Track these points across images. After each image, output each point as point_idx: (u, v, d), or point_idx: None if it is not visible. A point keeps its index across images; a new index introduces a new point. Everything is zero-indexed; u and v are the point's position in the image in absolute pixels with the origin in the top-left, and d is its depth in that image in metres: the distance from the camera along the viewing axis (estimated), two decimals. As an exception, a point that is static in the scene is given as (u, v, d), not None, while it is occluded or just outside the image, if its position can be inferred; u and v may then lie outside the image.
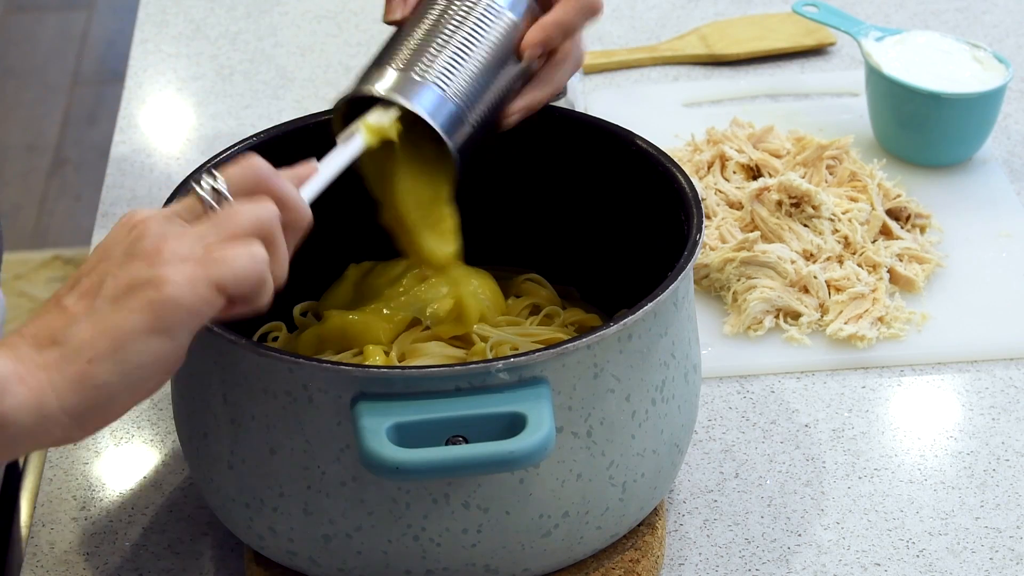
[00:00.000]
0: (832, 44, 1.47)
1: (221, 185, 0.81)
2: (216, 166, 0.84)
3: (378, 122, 0.93)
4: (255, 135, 1.03)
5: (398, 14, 0.98)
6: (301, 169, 0.87)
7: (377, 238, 1.03)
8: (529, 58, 0.97)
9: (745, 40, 1.47)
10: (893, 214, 1.22)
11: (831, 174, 1.24)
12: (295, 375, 0.87)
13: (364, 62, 0.98)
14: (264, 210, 0.80)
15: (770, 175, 1.24)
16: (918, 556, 0.98)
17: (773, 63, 1.46)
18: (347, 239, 1.07)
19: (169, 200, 0.95)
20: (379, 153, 0.94)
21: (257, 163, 0.82)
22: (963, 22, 1.50)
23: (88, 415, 0.77)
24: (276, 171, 0.83)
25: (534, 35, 0.97)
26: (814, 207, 1.19)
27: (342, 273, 1.08)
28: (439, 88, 0.94)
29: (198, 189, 0.81)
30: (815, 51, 1.47)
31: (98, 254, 0.79)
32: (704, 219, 0.95)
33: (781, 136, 1.28)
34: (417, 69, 0.95)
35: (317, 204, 1.07)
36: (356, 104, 0.96)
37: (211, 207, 0.80)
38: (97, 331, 0.76)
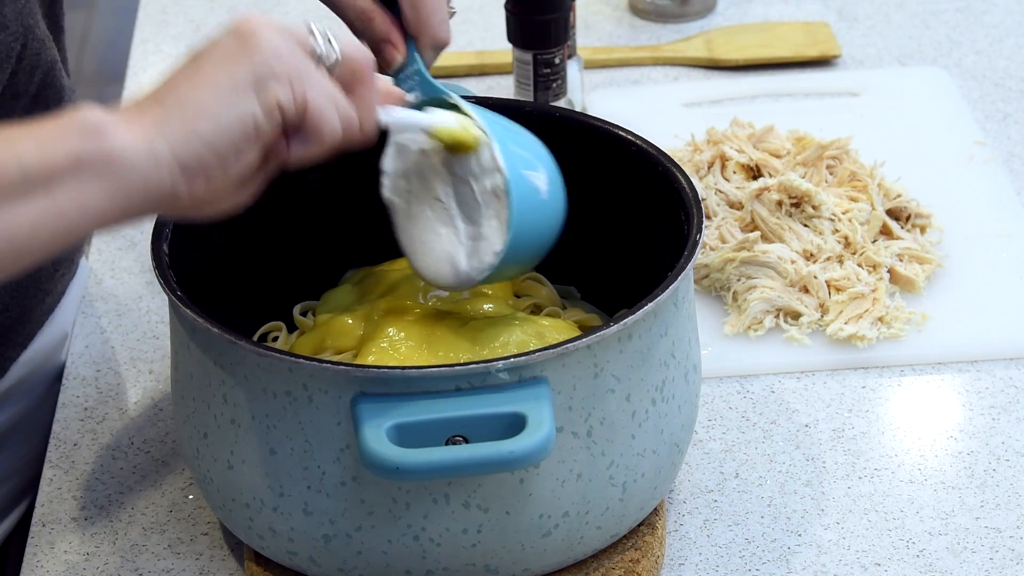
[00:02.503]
0: (837, 56, 1.46)
1: (334, 50, 0.83)
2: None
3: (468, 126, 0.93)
4: (255, 135, 1.03)
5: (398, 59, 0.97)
6: (392, 91, 0.90)
7: (376, 242, 1.03)
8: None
9: (748, 47, 1.47)
10: (893, 214, 1.22)
11: (831, 174, 1.24)
12: (295, 375, 0.87)
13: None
14: (349, 115, 0.83)
15: (770, 175, 1.24)
16: (918, 556, 0.98)
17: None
18: (347, 241, 1.07)
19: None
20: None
21: (366, 59, 0.85)
22: (963, 22, 1.50)
23: (194, 166, 0.78)
24: (373, 77, 0.85)
25: None
26: (814, 207, 1.19)
27: (341, 275, 1.08)
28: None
29: (315, 33, 0.83)
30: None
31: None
32: (704, 219, 0.95)
33: (781, 136, 1.28)
34: None
35: (320, 206, 1.07)
36: None
37: (316, 54, 0.83)
38: (199, 86, 0.78)
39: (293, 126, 0.81)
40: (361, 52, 0.84)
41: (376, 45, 0.95)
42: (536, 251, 0.95)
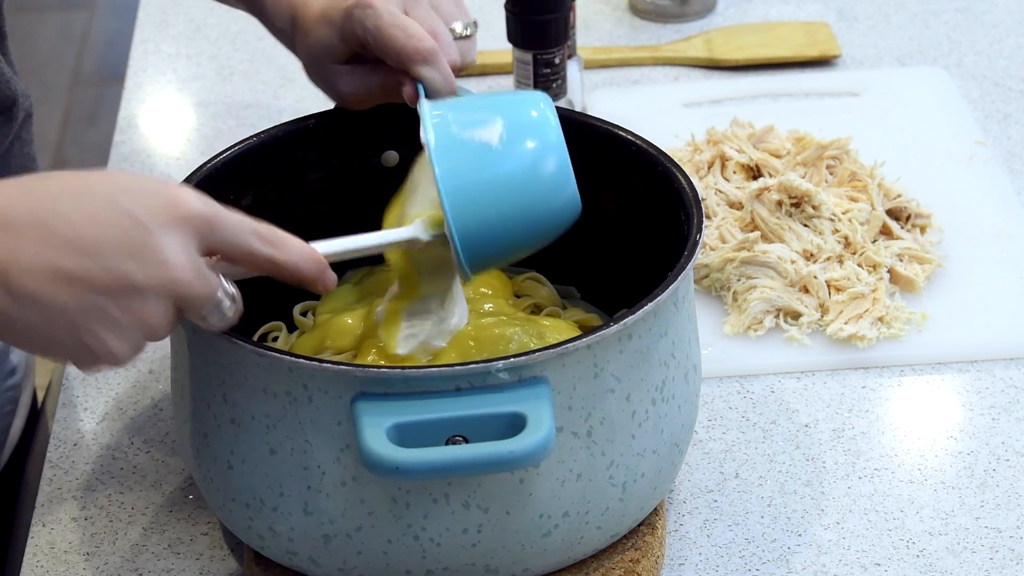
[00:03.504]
0: (837, 56, 1.46)
1: (229, 312, 0.84)
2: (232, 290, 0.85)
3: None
4: (255, 135, 1.03)
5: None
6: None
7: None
8: None
9: (748, 47, 1.47)
10: (893, 214, 1.22)
11: (831, 174, 1.24)
12: (295, 375, 0.87)
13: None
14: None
15: (770, 175, 1.24)
16: (918, 556, 0.98)
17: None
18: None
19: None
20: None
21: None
22: (963, 22, 1.50)
23: None
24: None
25: None
26: (814, 207, 1.19)
27: (341, 275, 1.08)
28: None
29: (222, 292, 0.83)
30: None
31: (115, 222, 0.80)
32: (704, 219, 0.95)
33: (781, 136, 1.28)
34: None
35: (320, 206, 1.07)
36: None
37: (212, 313, 0.83)
38: (39, 319, 0.79)
39: None
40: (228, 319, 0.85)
41: (395, 87, 0.99)
42: (524, 209, 0.90)
